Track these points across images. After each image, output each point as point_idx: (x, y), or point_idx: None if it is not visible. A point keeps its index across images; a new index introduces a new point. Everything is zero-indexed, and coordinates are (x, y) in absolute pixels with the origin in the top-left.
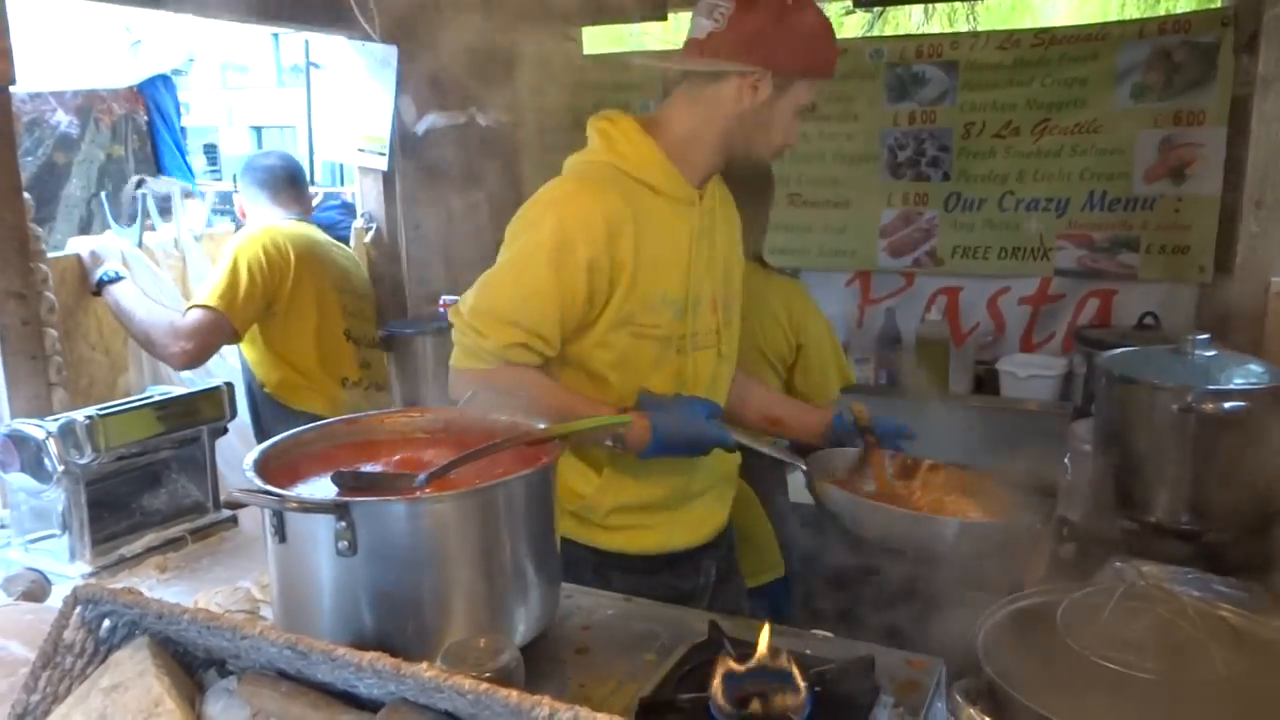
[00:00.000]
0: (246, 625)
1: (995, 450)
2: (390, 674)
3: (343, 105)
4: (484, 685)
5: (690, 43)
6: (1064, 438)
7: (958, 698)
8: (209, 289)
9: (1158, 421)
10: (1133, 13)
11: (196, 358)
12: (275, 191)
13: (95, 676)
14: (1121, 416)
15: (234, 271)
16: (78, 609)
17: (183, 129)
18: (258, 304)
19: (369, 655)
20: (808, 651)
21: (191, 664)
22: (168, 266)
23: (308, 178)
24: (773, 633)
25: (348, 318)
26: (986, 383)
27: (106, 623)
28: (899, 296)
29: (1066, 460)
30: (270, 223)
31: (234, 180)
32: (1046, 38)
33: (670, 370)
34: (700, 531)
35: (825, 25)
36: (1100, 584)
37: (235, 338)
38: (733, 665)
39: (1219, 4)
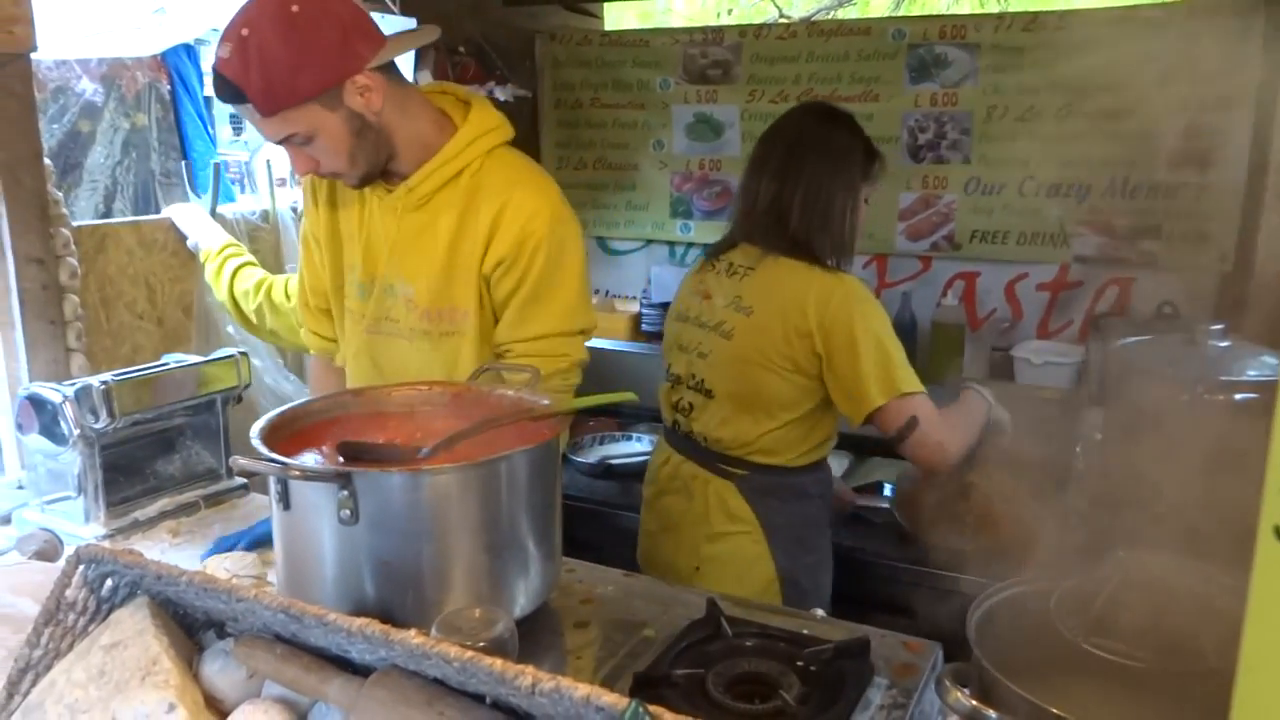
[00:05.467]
0: (242, 589)
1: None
2: (380, 639)
3: None
4: (469, 654)
5: None
6: (1077, 426)
7: (946, 682)
8: None
9: (1169, 411)
10: None
11: None
12: None
13: (96, 634)
14: (1133, 405)
15: None
16: (80, 568)
17: (206, 99)
18: None
19: (359, 621)
20: (804, 631)
21: (192, 625)
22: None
23: None
24: (770, 613)
25: None
26: (1002, 369)
27: (109, 582)
28: (916, 280)
29: (1078, 449)
30: None
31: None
32: (1072, 20)
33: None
34: None
35: None
36: (1099, 573)
37: None
38: (729, 643)
39: None
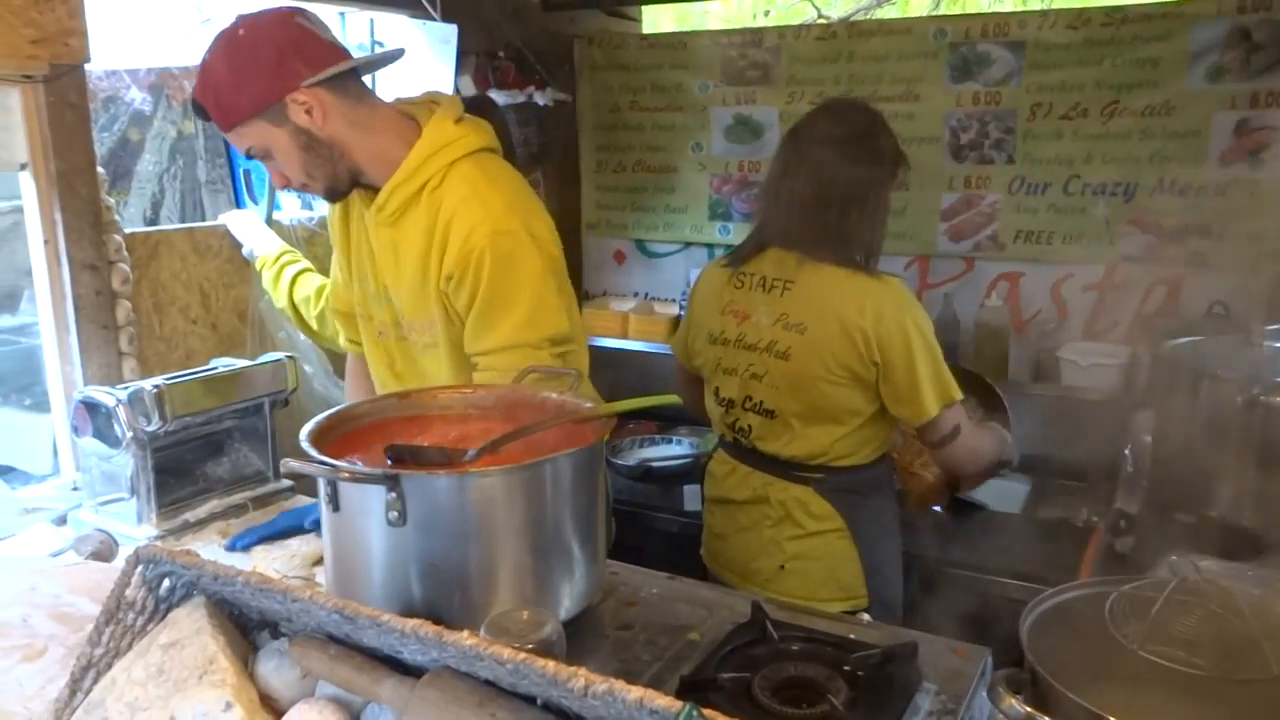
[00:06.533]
0: (297, 589)
1: (1054, 439)
2: (432, 641)
3: (403, 83)
4: (522, 655)
5: None
6: (1125, 428)
7: (1000, 688)
8: None
9: (1221, 413)
10: None
11: None
12: None
13: (154, 633)
14: (1184, 407)
15: None
16: (139, 568)
17: None
18: None
19: (412, 622)
20: (850, 636)
21: (246, 625)
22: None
23: None
24: (814, 616)
25: None
26: (1047, 370)
27: (166, 582)
28: (958, 281)
29: (1127, 451)
30: None
31: None
32: (1118, 17)
33: None
34: None
35: None
36: (1153, 578)
37: None
38: (775, 647)
39: None
